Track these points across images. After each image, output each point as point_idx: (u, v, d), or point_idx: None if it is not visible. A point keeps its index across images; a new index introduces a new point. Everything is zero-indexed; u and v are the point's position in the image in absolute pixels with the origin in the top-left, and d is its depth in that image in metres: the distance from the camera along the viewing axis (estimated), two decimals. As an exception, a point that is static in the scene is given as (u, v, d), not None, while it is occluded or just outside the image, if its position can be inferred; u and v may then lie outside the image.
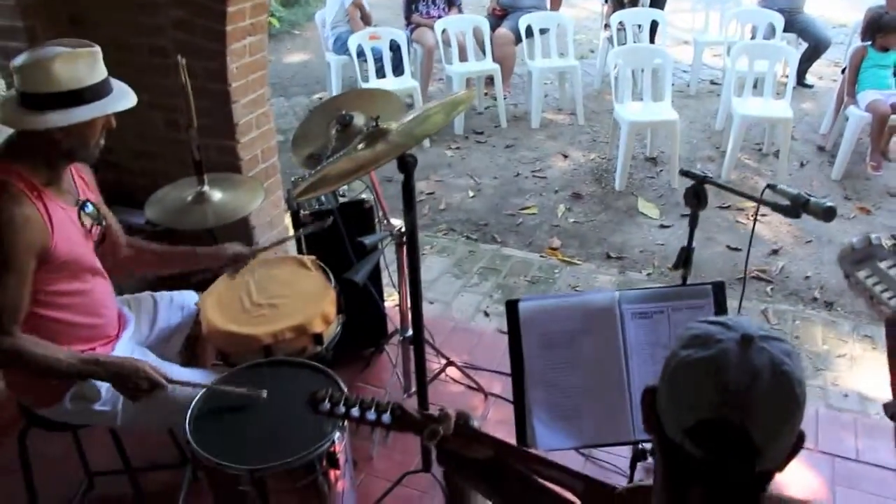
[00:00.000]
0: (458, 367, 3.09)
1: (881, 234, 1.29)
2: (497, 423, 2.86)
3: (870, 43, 5.48)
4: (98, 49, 1.89)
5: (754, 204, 1.97)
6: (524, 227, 4.74)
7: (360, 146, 1.89)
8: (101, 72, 1.90)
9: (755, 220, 2.08)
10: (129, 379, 1.93)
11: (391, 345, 3.19)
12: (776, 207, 1.89)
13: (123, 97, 1.95)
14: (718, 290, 1.95)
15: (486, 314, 3.70)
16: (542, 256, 4.32)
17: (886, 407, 1.32)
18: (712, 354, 0.93)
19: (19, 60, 1.82)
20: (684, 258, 2.28)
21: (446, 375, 3.10)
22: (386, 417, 1.31)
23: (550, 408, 1.87)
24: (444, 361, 3.09)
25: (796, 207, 1.82)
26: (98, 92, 1.88)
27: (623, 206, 4.97)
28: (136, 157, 3.36)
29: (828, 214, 1.73)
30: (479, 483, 1.33)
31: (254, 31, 3.10)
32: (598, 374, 1.87)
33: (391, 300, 3.31)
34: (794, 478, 2.62)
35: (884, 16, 5.54)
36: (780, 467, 0.96)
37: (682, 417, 0.94)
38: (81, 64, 1.84)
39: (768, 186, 1.93)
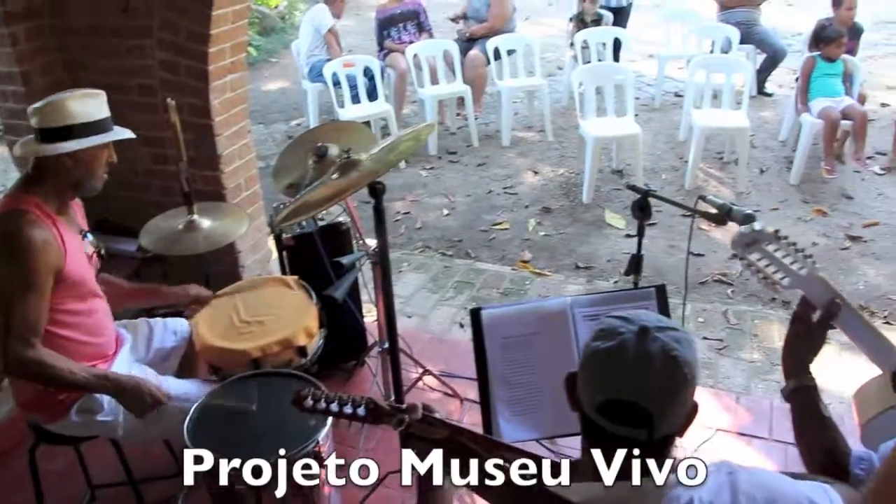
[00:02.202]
0: (435, 376, 3.24)
1: (763, 222, 1.43)
2: (472, 425, 2.92)
3: (818, 53, 5.73)
4: (103, 93, 2.19)
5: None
6: (497, 241, 4.93)
7: (335, 175, 2.09)
8: (105, 111, 2.19)
9: (692, 228, 2.29)
10: (133, 395, 2.15)
11: (371, 357, 3.36)
12: (706, 216, 2.12)
13: (123, 132, 2.25)
14: (661, 292, 2.17)
15: (461, 325, 3.86)
16: (513, 269, 4.50)
17: (782, 391, 1.53)
18: (613, 345, 1.14)
19: (37, 104, 2.10)
20: (635, 264, 2.51)
21: (424, 384, 3.26)
22: (361, 410, 1.50)
23: (513, 404, 2.08)
24: (421, 370, 3.25)
25: (722, 215, 2.04)
26: (103, 126, 2.17)
27: (591, 218, 5.16)
28: (126, 188, 3.52)
29: (746, 220, 1.95)
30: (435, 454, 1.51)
31: (234, 69, 3.32)
32: (554, 372, 2.07)
33: (370, 316, 3.50)
34: (751, 464, 2.81)
35: (826, 27, 5.81)
36: (680, 432, 1.17)
37: (593, 397, 1.15)
38: (90, 102, 2.15)
39: (700, 198, 2.15)
